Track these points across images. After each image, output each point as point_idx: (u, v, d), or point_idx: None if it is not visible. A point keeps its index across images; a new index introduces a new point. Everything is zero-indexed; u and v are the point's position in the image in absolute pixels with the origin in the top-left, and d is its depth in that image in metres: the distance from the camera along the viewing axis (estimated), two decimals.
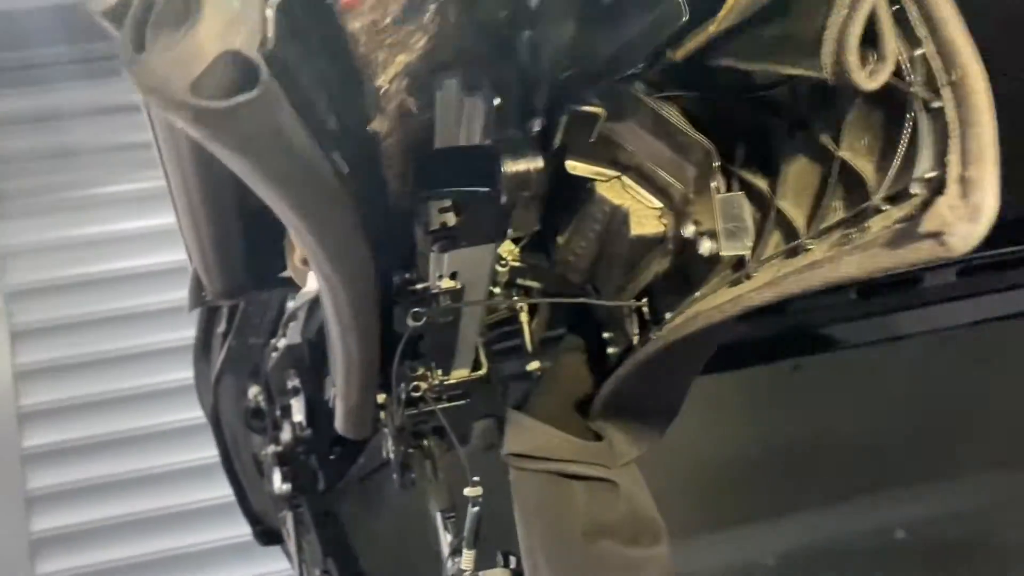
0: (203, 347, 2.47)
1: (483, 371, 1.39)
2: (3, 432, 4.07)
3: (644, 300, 1.10)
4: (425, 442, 1.63)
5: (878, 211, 0.57)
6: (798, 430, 2.41)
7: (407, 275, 1.12)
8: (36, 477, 4.08)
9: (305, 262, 1.20)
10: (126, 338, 4.20)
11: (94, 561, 4.08)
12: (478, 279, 1.08)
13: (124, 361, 4.19)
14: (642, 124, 0.83)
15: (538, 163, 0.74)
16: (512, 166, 0.75)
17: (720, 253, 0.80)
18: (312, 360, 2.06)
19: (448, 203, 0.84)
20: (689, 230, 0.86)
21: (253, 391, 2.32)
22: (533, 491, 1.33)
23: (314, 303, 1.95)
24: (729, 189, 0.83)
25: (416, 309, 1.07)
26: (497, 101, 0.70)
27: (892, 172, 0.55)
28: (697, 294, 0.90)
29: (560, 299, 1.18)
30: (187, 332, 2.68)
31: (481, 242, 0.91)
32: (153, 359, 4.15)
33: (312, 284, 1.34)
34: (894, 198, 0.56)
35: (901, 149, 0.54)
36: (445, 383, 1.37)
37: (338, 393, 1.40)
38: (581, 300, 1.12)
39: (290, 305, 2.07)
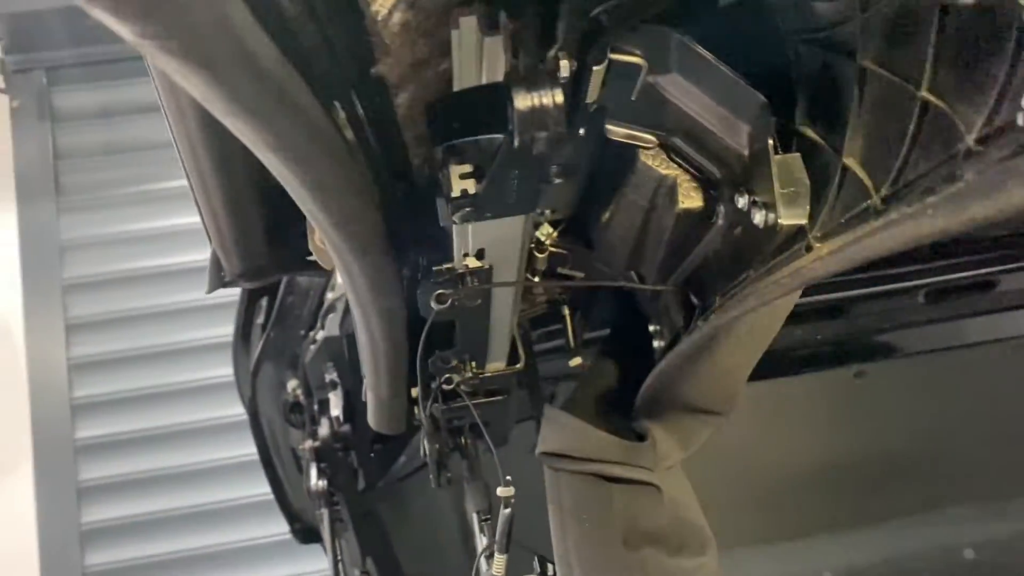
0: (243, 338, 2.45)
1: (521, 365, 1.31)
2: (57, 423, 4.12)
3: (690, 285, 1.01)
4: (462, 440, 1.57)
5: (970, 154, 0.47)
6: (859, 440, 2.31)
7: (433, 256, 1.04)
8: (88, 469, 4.12)
9: None
10: (181, 332, 4.23)
11: (142, 554, 4.10)
12: (508, 259, 0.99)
13: (178, 355, 4.22)
14: (690, 76, 0.73)
15: (556, 95, 0.63)
16: (523, 100, 0.64)
17: (780, 222, 0.70)
18: (351, 354, 2.01)
19: (469, 167, 0.75)
20: (742, 200, 0.76)
21: (292, 384, 2.28)
22: (569, 494, 1.24)
23: None
24: (786, 149, 0.73)
25: (440, 291, 0.98)
26: (509, 26, 0.61)
27: (990, 103, 0.45)
28: (751, 273, 0.80)
29: (597, 283, 1.08)
30: None
31: (508, 212, 0.81)
32: (207, 354, 4.17)
33: None
34: (989, 137, 0.46)
35: (1001, 76, 0.44)
36: (480, 376, 1.29)
37: (368, 384, 1.33)
38: (619, 284, 1.03)
39: (329, 296, 2.03)
